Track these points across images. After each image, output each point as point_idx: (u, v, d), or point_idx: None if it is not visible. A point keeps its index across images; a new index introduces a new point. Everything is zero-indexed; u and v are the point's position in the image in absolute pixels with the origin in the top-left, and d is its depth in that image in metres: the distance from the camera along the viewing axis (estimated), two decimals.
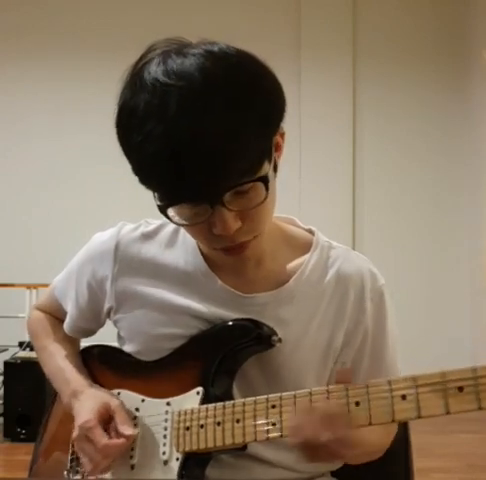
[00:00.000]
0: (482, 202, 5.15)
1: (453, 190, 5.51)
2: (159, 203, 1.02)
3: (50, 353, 1.32)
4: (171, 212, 1.02)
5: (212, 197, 0.99)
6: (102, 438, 1.11)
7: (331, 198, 5.39)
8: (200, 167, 0.95)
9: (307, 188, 5.41)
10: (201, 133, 0.94)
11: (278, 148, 1.07)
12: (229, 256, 1.12)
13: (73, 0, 5.45)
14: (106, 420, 1.15)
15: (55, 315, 1.37)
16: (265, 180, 1.00)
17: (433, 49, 5.52)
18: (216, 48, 1.00)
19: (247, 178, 0.99)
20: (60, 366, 1.29)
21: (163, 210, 1.02)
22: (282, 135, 1.08)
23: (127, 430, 1.13)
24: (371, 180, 5.50)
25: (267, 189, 1.01)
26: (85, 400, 1.19)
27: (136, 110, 0.98)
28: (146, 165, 0.99)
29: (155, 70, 0.98)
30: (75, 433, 1.15)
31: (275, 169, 1.07)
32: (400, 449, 1.30)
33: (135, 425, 1.19)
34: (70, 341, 1.35)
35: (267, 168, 1.01)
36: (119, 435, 1.13)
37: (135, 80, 1.01)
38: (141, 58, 1.03)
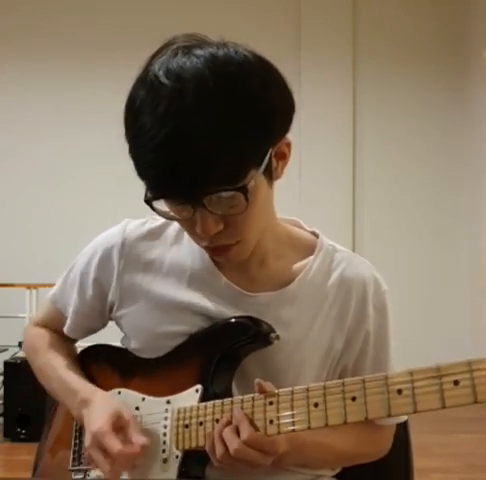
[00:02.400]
0: (482, 202, 5.15)
1: (453, 190, 5.51)
2: (145, 196, 1.04)
3: (52, 367, 1.29)
4: (157, 206, 1.05)
5: (191, 199, 1.01)
6: (116, 445, 1.08)
7: (331, 198, 5.39)
8: (179, 170, 0.98)
9: (307, 188, 5.41)
10: (183, 138, 0.97)
11: (282, 157, 1.08)
12: (212, 256, 1.16)
13: (73, 1, 5.46)
14: (117, 429, 1.12)
15: (55, 328, 1.35)
16: (244, 191, 1.00)
17: (433, 49, 5.53)
18: (221, 52, 1.01)
19: (226, 186, 1.00)
20: (65, 378, 1.26)
21: (148, 202, 1.04)
22: (288, 145, 1.08)
23: (141, 439, 1.10)
24: (371, 180, 5.50)
25: (247, 200, 1.01)
26: (96, 408, 1.16)
27: (134, 104, 1.02)
28: (135, 157, 1.02)
29: (159, 67, 1.01)
30: (88, 441, 1.12)
31: (271, 178, 1.08)
32: (400, 449, 1.31)
33: None
34: (70, 354, 1.33)
35: (252, 178, 1.01)
36: (130, 444, 1.10)
37: (144, 72, 1.03)
38: (158, 52, 1.05)
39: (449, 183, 5.52)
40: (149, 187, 1.03)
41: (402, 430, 1.32)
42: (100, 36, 5.41)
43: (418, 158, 5.51)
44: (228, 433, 1.03)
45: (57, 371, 1.29)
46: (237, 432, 1.03)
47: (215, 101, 0.97)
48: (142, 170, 1.02)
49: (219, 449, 1.04)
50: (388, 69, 5.51)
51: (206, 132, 0.96)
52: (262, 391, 1.04)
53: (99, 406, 1.17)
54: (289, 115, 1.07)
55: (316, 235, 1.25)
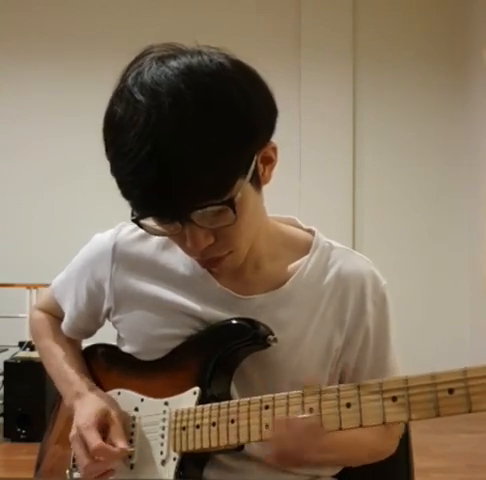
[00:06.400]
0: (482, 202, 5.15)
1: (453, 190, 5.51)
2: (132, 215, 1.03)
3: (53, 354, 1.32)
4: (145, 223, 1.04)
5: (179, 216, 1.00)
6: (95, 440, 1.12)
7: (331, 198, 5.39)
8: (164, 189, 0.96)
9: (307, 188, 5.41)
10: (164, 156, 0.95)
11: (268, 162, 1.07)
12: (205, 268, 1.14)
13: (74, 0, 5.45)
14: (104, 427, 1.16)
15: (56, 315, 1.37)
16: (231, 204, 0.99)
17: (433, 49, 5.52)
18: (196, 62, 0.98)
19: (213, 200, 0.98)
20: (63, 368, 1.29)
21: (136, 221, 1.03)
22: (273, 149, 1.06)
23: (120, 443, 1.13)
24: (371, 180, 5.50)
25: (234, 212, 1.00)
26: (87, 403, 1.19)
27: (111, 123, 1.00)
28: (117, 178, 1.01)
29: (133, 82, 0.99)
30: (72, 432, 1.16)
31: (259, 185, 1.06)
32: (400, 449, 1.30)
33: (133, 425, 1.19)
34: (72, 342, 1.35)
35: (239, 188, 1.00)
36: (113, 445, 1.14)
37: (120, 87, 1.02)
38: (134, 62, 1.03)
39: (449, 183, 5.52)
40: (134, 207, 1.01)
41: (402, 430, 1.32)
42: (101, 36, 5.40)
43: (418, 158, 5.51)
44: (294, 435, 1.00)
45: (56, 359, 1.31)
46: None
47: (193, 115, 0.95)
48: (125, 190, 1.00)
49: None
50: (388, 69, 5.51)
51: (187, 148, 0.94)
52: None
53: (90, 401, 1.19)
54: (272, 119, 1.05)
55: (312, 233, 1.24)
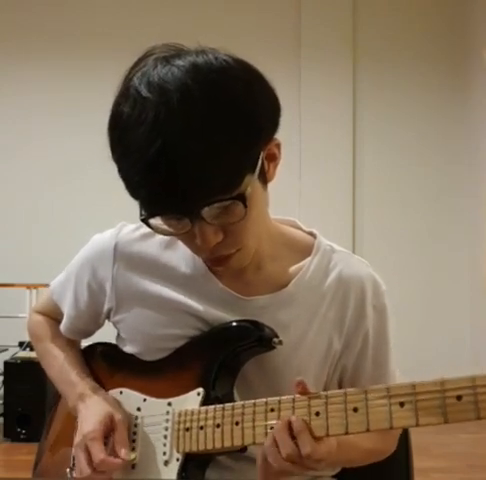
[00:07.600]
0: (482, 202, 5.15)
1: (453, 190, 5.50)
2: (140, 214, 1.03)
3: (53, 356, 1.32)
4: (153, 222, 1.04)
5: (189, 212, 1.00)
6: (100, 453, 1.12)
7: (331, 198, 5.39)
8: (173, 186, 0.96)
9: (307, 188, 5.41)
10: (173, 153, 0.95)
11: (273, 158, 1.07)
12: (213, 267, 1.14)
13: (74, 0, 5.45)
14: (108, 432, 1.15)
15: (55, 317, 1.36)
16: (242, 198, 0.99)
17: (433, 49, 5.52)
18: (201, 60, 0.99)
19: (223, 195, 0.98)
20: (64, 369, 1.28)
21: (145, 221, 1.03)
22: (277, 145, 1.07)
23: (122, 453, 1.13)
24: (371, 180, 5.49)
25: (245, 206, 1.00)
26: (91, 406, 1.19)
27: (117, 123, 1.00)
28: (125, 178, 1.01)
29: (139, 81, 0.99)
30: (77, 440, 1.16)
31: (265, 181, 1.07)
32: (400, 449, 1.30)
33: (135, 425, 1.19)
34: (72, 344, 1.34)
35: (248, 184, 1.00)
36: (116, 453, 1.13)
37: (124, 87, 1.02)
38: (137, 63, 1.03)
39: (449, 183, 5.51)
40: (143, 205, 1.01)
41: (402, 430, 1.32)
42: (101, 36, 5.40)
43: (418, 158, 5.51)
44: (288, 442, 0.98)
45: (57, 361, 1.30)
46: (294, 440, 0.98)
47: (201, 111, 0.95)
48: (134, 190, 1.00)
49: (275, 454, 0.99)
50: (388, 69, 5.51)
51: (194, 144, 0.95)
52: (305, 391, 1.00)
53: (94, 404, 1.19)
54: (275, 115, 1.06)
55: (314, 235, 1.24)
